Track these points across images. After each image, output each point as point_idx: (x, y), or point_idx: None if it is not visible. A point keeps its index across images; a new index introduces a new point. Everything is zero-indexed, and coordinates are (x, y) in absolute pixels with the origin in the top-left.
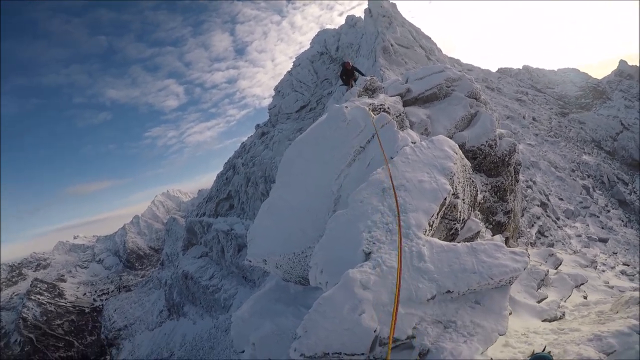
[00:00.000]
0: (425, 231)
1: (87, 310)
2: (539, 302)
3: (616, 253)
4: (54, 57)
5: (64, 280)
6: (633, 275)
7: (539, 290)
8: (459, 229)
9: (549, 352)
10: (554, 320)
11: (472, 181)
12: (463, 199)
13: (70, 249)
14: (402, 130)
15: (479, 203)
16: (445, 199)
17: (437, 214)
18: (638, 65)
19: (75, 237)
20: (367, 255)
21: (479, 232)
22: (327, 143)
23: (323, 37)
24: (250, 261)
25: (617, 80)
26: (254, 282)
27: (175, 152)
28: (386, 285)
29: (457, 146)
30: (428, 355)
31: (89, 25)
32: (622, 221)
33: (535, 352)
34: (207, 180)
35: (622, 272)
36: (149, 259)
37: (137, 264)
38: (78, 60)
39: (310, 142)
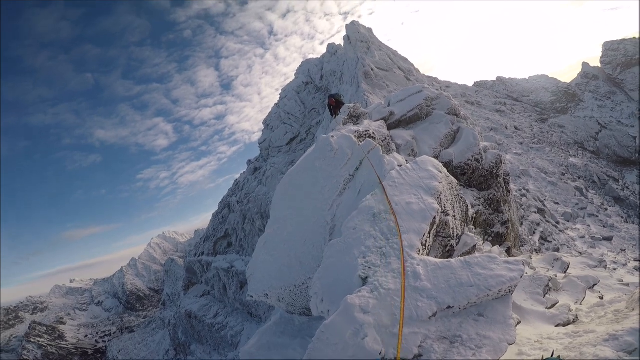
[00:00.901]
0: (419, 251)
1: (90, 352)
2: (549, 307)
3: (624, 250)
4: (41, 96)
5: (64, 323)
6: None
7: (546, 295)
8: (455, 245)
9: (559, 356)
10: (568, 324)
11: (461, 197)
12: (454, 216)
13: (67, 292)
14: (389, 154)
15: (472, 217)
16: (435, 217)
17: (429, 233)
18: (599, 66)
19: (71, 281)
20: (364, 280)
21: (474, 245)
22: (317, 174)
23: (307, 67)
24: (252, 296)
25: (585, 82)
26: (260, 318)
27: (168, 193)
28: (385, 308)
29: (441, 165)
30: None
31: (74, 61)
32: (622, 217)
33: (544, 358)
34: (202, 220)
35: (636, 268)
36: (149, 300)
37: (137, 305)
38: (65, 98)
39: (300, 174)
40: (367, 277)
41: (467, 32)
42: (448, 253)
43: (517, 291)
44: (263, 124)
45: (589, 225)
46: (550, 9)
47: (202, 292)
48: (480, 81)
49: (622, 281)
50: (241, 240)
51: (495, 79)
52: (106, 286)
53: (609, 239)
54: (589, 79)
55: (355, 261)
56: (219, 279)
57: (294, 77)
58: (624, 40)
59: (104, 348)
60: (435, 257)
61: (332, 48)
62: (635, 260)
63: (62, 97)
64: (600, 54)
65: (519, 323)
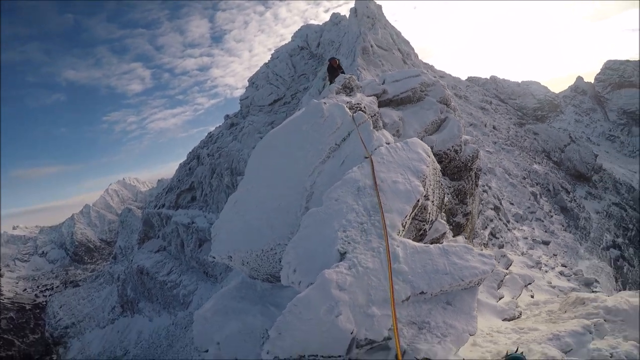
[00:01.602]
0: (399, 232)
1: (28, 307)
2: (497, 301)
3: (556, 255)
4: (15, 34)
5: (1, 275)
6: (569, 276)
7: (498, 290)
8: (427, 230)
9: (522, 353)
10: (512, 319)
11: (441, 184)
12: (432, 201)
13: (8, 241)
14: (377, 130)
15: (445, 205)
16: (418, 200)
17: (410, 215)
18: (592, 82)
19: (14, 228)
20: (342, 255)
21: (444, 233)
22: (302, 138)
23: (305, 32)
24: (214, 257)
25: (572, 95)
26: (216, 278)
27: (134, 138)
28: (362, 287)
29: (430, 149)
30: (404, 356)
31: (59, 3)
32: (563, 226)
33: (509, 353)
34: (167, 170)
35: (561, 273)
36: (99, 252)
37: (86, 258)
38: (38, 38)
39: (284, 135)
40: (345, 252)
41: (475, 27)
42: (420, 237)
43: None
44: (248, 81)
45: (533, 228)
46: (566, 21)
47: (158, 248)
48: (474, 77)
49: (550, 283)
50: (206, 195)
51: (488, 77)
52: (53, 235)
53: (546, 243)
54: (577, 93)
55: (335, 234)
56: (177, 235)
57: (290, 40)
58: (627, 61)
59: (44, 303)
60: (409, 239)
61: (335, 17)
62: (562, 265)
63: (37, 35)
64: (598, 71)
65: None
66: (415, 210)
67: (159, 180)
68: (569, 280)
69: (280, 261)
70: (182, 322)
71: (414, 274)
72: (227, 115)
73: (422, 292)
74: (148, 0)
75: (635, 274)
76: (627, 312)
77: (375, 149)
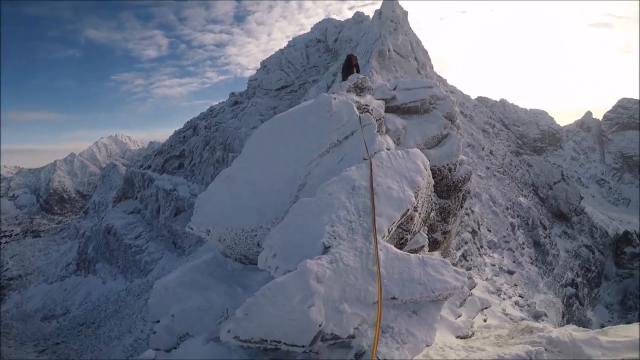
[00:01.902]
0: (384, 236)
1: None
2: (455, 318)
3: (517, 285)
4: None
5: None
6: (523, 307)
7: (458, 308)
8: (408, 240)
9: None
10: (465, 338)
11: (431, 199)
12: (420, 213)
13: None
14: (380, 134)
15: (429, 220)
16: (408, 210)
17: (397, 222)
18: (600, 119)
19: None
20: (326, 249)
21: (423, 246)
22: (306, 128)
23: (326, 26)
24: (192, 228)
25: (576, 131)
26: (183, 250)
27: (137, 100)
28: (339, 282)
29: (428, 163)
30: (363, 356)
31: None
32: (531, 259)
33: None
34: (162, 134)
35: (516, 303)
36: (72, 204)
37: (56, 208)
38: None
39: (289, 122)
40: (330, 247)
41: (497, 47)
42: (401, 245)
43: None
44: (261, 64)
45: (503, 257)
46: (597, 51)
47: (133, 209)
48: (483, 97)
49: (505, 310)
50: (194, 165)
51: (498, 100)
52: (30, 178)
53: (511, 272)
54: (581, 129)
55: (323, 227)
56: (155, 199)
57: (309, 30)
58: None
59: None
60: (392, 245)
61: (359, 16)
62: (519, 296)
63: None
64: (610, 107)
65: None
66: (403, 219)
67: (150, 142)
68: (521, 310)
69: (258, 244)
70: (135, 290)
71: (390, 278)
72: (233, 93)
73: (393, 297)
74: None
75: (581, 313)
76: (566, 344)
77: (376, 152)
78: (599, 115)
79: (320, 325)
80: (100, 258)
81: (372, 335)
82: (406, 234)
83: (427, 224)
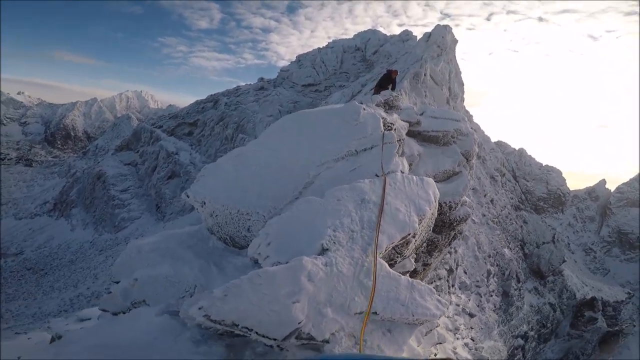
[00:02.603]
0: (380, 253)
1: None
2: (417, 346)
3: (472, 328)
4: None
5: None
6: (472, 349)
7: (424, 337)
8: (397, 262)
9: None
10: None
11: (430, 230)
12: (416, 241)
13: (3, 102)
14: (399, 156)
15: (419, 249)
16: (409, 234)
17: (395, 244)
18: (612, 190)
19: (19, 93)
20: (324, 251)
21: (409, 271)
22: (328, 130)
23: (369, 36)
24: (189, 196)
25: (582, 198)
26: (164, 216)
27: (173, 64)
28: (329, 286)
29: (438, 195)
30: None
31: None
32: (494, 307)
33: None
34: (183, 101)
35: (466, 344)
36: (74, 143)
37: (59, 142)
38: None
39: (314, 120)
40: (327, 250)
41: (539, 93)
42: (390, 266)
43: None
44: (296, 57)
45: (469, 299)
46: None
47: (130, 161)
48: (503, 142)
49: (455, 349)
50: (203, 136)
51: (516, 149)
52: (47, 111)
53: (472, 315)
54: (589, 197)
55: (325, 229)
56: (155, 158)
57: (351, 37)
58: None
59: None
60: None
61: (406, 35)
62: (471, 339)
63: None
64: (627, 179)
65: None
66: (401, 242)
67: (169, 105)
68: (469, 352)
69: (249, 229)
70: (100, 244)
71: (378, 294)
72: (262, 78)
73: (375, 313)
74: None
75: None
76: None
77: (391, 172)
78: (612, 184)
79: (299, 323)
80: (79, 203)
81: (345, 344)
82: (397, 257)
83: (416, 253)
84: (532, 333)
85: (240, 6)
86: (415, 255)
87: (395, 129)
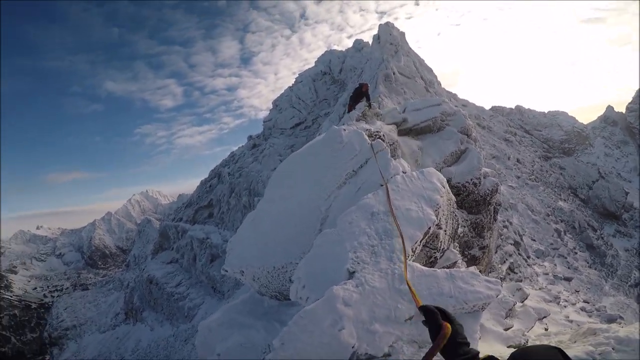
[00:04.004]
0: (408, 256)
1: (33, 305)
2: (505, 330)
3: (578, 291)
4: (63, 43)
5: (15, 272)
6: (591, 312)
7: (506, 319)
8: (438, 258)
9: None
10: (517, 346)
11: (455, 215)
12: (445, 230)
13: (29, 240)
14: (395, 158)
15: (459, 236)
16: (430, 228)
17: (420, 242)
18: (624, 112)
19: (38, 228)
20: (351, 274)
21: (455, 262)
22: (321, 162)
23: (329, 58)
24: (227, 271)
25: (602, 127)
26: (223, 294)
27: (161, 152)
28: (367, 304)
29: (445, 180)
30: None
31: (106, 15)
32: (587, 263)
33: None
34: (189, 185)
35: (582, 309)
36: (113, 259)
37: (100, 263)
38: (85, 48)
39: (304, 159)
40: (354, 272)
41: (500, 54)
42: (431, 264)
43: None
44: (272, 103)
45: (555, 265)
46: (592, 46)
47: (170, 259)
48: (498, 106)
49: (568, 317)
50: (223, 213)
51: (513, 107)
52: (73, 238)
53: (568, 279)
54: (607, 124)
55: (346, 254)
56: (190, 249)
57: (313, 65)
58: None
59: (50, 303)
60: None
61: (358, 44)
62: (584, 301)
63: (83, 46)
64: (630, 99)
65: (479, 338)
66: (426, 238)
67: (179, 195)
68: (590, 316)
69: (290, 279)
70: (182, 335)
71: (419, 295)
72: (251, 136)
73: (417, 306)
74: (185, 18)
75: None
76: (638, 342)
77: (392, 177)
78: (619, 109)
79: (353, 347)
80: (145, 306)
81: (409, 352)
82: (434, 252)
83: (457, 241)
84: None
85: (195, 74)
86: (457, 245)
87: (383, 135)
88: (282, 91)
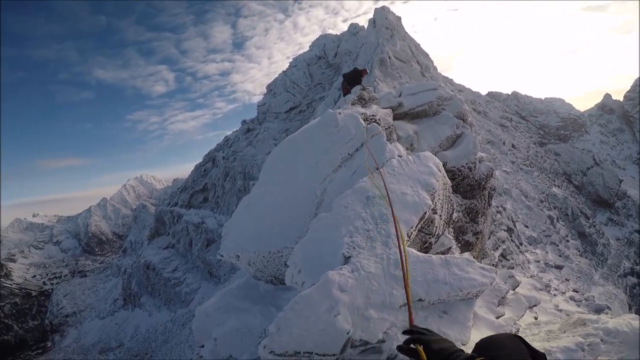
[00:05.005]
0: (403, 241)
1: (34, 293)
2: (497, 317)
3: (568, 280)
4: (50, 32)
5: (14, 260)
6: (580, 301)
7: (498, 307)
8: (433, 243)
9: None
10: None
11: (451, 199)
12: (440, 215)
13: (26, 228)
14: (390, 142)
15: (453, 221)
16: (425, 213)
17: (416, 227)
18: (621, 100)
19: (34, 215)
20: (347, 259)
21: (450, 247)
22: (316, 146)
23: (323, 42)
24: (222, 255)
25: (598, 114)
26: (219, 279)
27: (155, 138)
28: (362, 290)
29: (441, 164)
30: (396, 359)
31: (92, 3)
32: (579, 251)
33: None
34: (183, 170)
35: (571, 298)
36: (110, 245)
37: (97, 249)
38: (72, 37)
39: (299, 143)
40: (350, 257)
41: (498, 40)
42: (425, 249)
43: None
44: (266, 88)
45: (547, 252)
46: (593, 34)
47: (167, 244)
48: (494, 92)
49: (558, 307)
50: (218, 197)
51: (510, 93)
52: (69, 225)
53: (559, 267)
54: (604, 112)
55: (341, 239)
56: (186, 233)
57: (308, 49)
58: None
59: (50, 291)
60: (413, 249)
61: (354, 28)
62: (573, 290)
63: (70, 34)
64: (628, 88)
65: (472, 326)
66: (422, 223)
67: (174, 180)
68: (578, 305)
69: (286, 264)
70: (180, 320)
71: (414, 281)
72: (244, 121)
73: (420, 299)
74: (175, 4)
75: None
76: (627, 334)
77: (387, 160)
78: (616, 97)
79: (348, 333)
80: (143, 292)
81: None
82: (429, 238)
83: (452, 226)
84: (639, 267)
85: (187, 60)
86: (451, 230)
87: (378, 119)
88: (276, 76)
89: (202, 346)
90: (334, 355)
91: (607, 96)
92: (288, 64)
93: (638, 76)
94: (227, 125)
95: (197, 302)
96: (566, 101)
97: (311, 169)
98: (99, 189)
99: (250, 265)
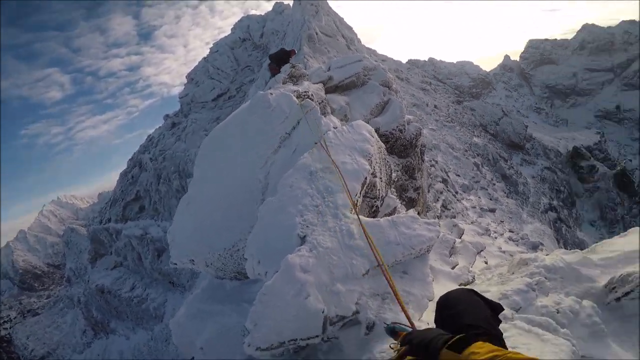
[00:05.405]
0: (351, 210)
1: None
2: (452, 268)
3: (503, 221)
4: None
5: None
6: (517, 241)
7: (451, 257)
8: (379, 206)
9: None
10: (467, 284)
11: (387, 161)
12: (380, 178)
13: None
14: (325, 116)
15: (394, 181)
16: (366, 178)
17: (360, 193)
18: (518, 60)
19: None
20: (303, 239)
21: (395, 207)
22: (250, 130)
23: (247, 23)
24: (176, 264)
25: (501, 73)
26: (184, 286)
27: (62, 151)
28: (324, 266)
29: (374, 130)
30: (375, 327)
31: None
32: (505, 192)
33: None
34: (107, 181)
35: (510, 238)
36: (49, 277)
37: (36, 285)
38: None
39: (231, 130)
40: (305, 236)
41: (413, 11)
42: (374, 213)
43: None
44: (187, 77)
45: (479, 197)
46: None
47: (114, 264)
48: (414, 59)
49: (501, 249)
50: (155, 203)
51: (427, 60)
52: None
53: (493, 210)
54: (505, 70)
55: (293, 220)
56: (131, 248)
57: (230, 32)
58: (546, 40)
59: (8, 336)
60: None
61: (279, 7)
62: (509, 231)
63: None
64: (522, 49)
65: (432, 281)
66: (365, 188)
67: (99, 194)
68: (517, 244)
69: (244, 257)
70: (160, 336)
71: (369, 247)
72: (167, 115)
73: (378, 265)
74: (55, 1)
75: (572, 235)
76: (563, 269)
77: (324, 134)
78: (514, 57)
79: (323, 312)
80: (109, 317)
81: (375, 305)
82: (375, 201)
83: (393, 186)
84: (555, 202)
85: (83, 58)
86: (394, 190)
87: (311, 95)
88: (196, 64)
89: (192, 358)
90: (317, 336)
91: (507, 57)
92: (209, 50)
93: (528, 40)
94: (148, 123)
95: (170, 315)
96: (475, 63)
97: (249, 154)
98: (12, 222)
99: (208, 267)
